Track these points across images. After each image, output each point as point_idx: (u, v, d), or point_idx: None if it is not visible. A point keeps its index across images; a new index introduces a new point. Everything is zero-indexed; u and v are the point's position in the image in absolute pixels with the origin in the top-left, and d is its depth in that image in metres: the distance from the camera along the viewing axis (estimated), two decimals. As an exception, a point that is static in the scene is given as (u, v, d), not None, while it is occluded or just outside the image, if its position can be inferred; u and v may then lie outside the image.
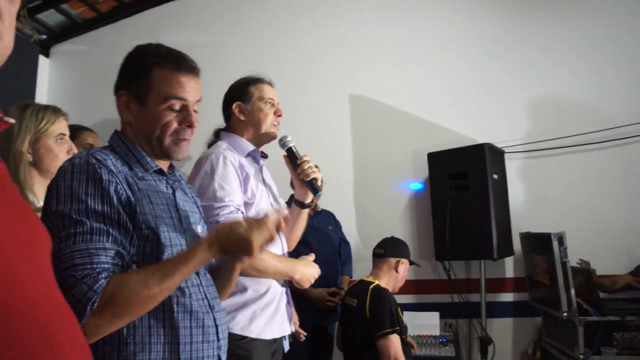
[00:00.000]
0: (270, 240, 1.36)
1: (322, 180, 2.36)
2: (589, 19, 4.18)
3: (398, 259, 3.05)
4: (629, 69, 4.11)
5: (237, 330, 1.91)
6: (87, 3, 4.20)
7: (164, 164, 1.50)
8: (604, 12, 4.18)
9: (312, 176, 2.13)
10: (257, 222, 1.35)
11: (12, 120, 0.80)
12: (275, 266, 1.96)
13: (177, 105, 1.43)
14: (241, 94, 2.16)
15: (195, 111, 1.49)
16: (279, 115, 2.19)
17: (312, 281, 2.08)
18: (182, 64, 1.45)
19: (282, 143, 2.16)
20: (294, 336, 2.79)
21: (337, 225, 3.77)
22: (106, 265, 1.23)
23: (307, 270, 2.04)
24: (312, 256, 2.06)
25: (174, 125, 1.44)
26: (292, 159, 2.15)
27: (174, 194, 1.49)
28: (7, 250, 0.70)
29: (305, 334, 2.92)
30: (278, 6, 4.43)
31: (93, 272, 1.19)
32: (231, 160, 1.98)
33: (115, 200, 1.30)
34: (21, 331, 0.67)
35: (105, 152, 1.40)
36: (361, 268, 3.63)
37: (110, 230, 1.27)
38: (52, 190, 1.31)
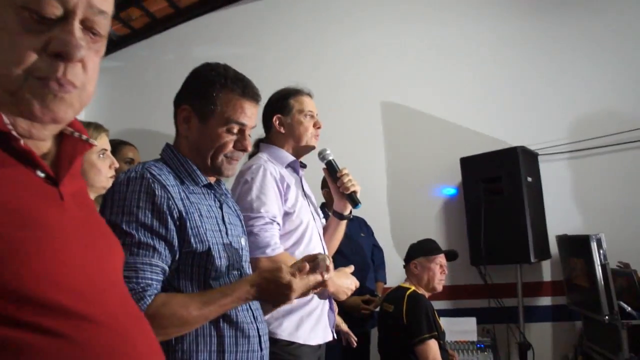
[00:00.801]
0: (309, 290, 1.40)
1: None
2: (623, 18, 4.11)
3: (412, 262, 3.09)
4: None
5: (284, 336, 1.92)
6: (121, 20, 4.32)
7: (212, 178, 1.55)
8: (637, 9, 4.10)
9: (352, 189, 2.15)
10: (299, 270, 1.39)
11: (95, 143, 0.87)
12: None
13: (235, 128, 1.50)
14: (281, 107, 2.18)
15: (249, 135, 1.56)
16: (319, 128, 2.22)
17: (349, 293, 2.05)
18: (248, 91, 1.53)
19: (322, 156, 2.19)
20: (347, 340, 2.79)
21: (369, 231, 3.77)
22: (150, 282, 1.28)
23: (343, 283, 2.02)
24: (351, 268, 2.04)
25: (230, 146, 1.50)
26: (332, 172, 2.18)
27: (221, 207, 1.54)
28: (88, 266, 0.75)
29: (356, 338, 2.87)
30: (308, 16, 4.48)
31: (138, 287, 1.25)
32: (271, 171, 2.00)
33: (166, 216, 1.34)
34: (105, 340, 0.71)
35: (159, 165, 1.45)
36: (396, 274, 3.61)
37: (157, 246, 1.31)
38: (107, 201, 1.37)
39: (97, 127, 2.01)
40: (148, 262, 1.29)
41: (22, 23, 0.70)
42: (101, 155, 1.99)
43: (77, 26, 0.73)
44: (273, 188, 1.97)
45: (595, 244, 3.24)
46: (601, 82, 4.09)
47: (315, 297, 2.02)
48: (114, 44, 4.52)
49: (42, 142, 0.78)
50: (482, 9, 4.31)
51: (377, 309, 3.31)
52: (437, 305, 3.70)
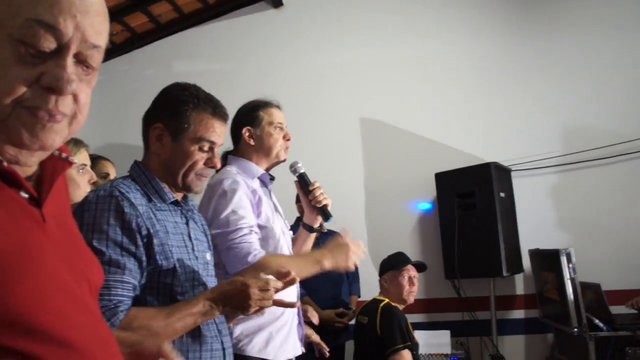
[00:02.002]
0: (268, 299, 1.44)
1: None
2: (592, 37, 4.25)
3: (382, 277, 3.17)
4: (633, 83, 4.17)
5: (254, 352, 1.92)
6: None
7: (178, 195, 1.59)
8: (607, 30, 4.25)
9: (324, 202, 2.15)
10: (257, 280, 1.44)
11: (75, 160, 0.88)
12: (299, 269, 1.88)
13: (206, 146, 1.56)
14: (250, 119, 2.17)
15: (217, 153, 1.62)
16: (288, 140, 2.21)
17: (355, 259, 2.03)
18: (218, 110, 1.59)
19: (293, 169, 2.18)
20: (319, 351, 2.78)
21: None
22: (122, 298, 1.32)
23: (338, 256, 2.00)
24: (345, 232, 2.05)
25: (201, 164, 1.55)
26: (304, 184, 2.17)
27: (187, 223, 1.58)
28: (68, 289, 0.77)
29: (328, 348, 2.85)
30: (288, 32, 4.55)
31: (110, 304, 1.29)
32: (242, 184, 2.00)
33: (135, 233, 1.38)
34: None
35: (128, 183, 1.49)
36: (372, 287, 3.66)
37: (127, 263, 1.36)
38: (76, 219, 1.39)
39: (76, 143, 2.03)
40: (120, 280, 1.33)
41: (16, 55, 0.72)
42: (80, 170, 2.00)
43: (70, 61, 0.75)
44: (247, 201, 1.98)
45: (565, 258, 3.33)
46: (572, 99, 4.21)
47: (285, 312, 2.03)
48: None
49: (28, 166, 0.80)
50: (458, 27, 4.43)
51: (352, 322, 3.35)
52: (412, 318, 3.75)
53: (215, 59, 4.59)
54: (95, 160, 2.70)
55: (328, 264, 1.97)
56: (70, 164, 0.87)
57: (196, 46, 4.62)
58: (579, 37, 4.27)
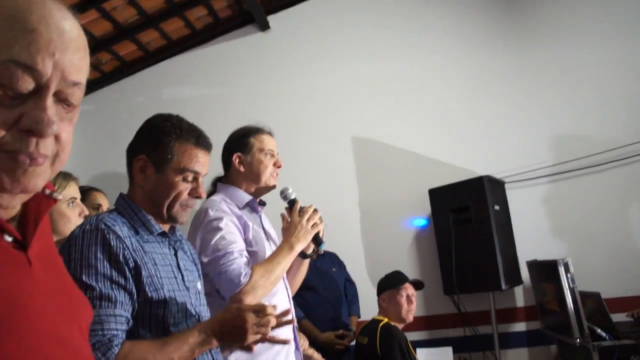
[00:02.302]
0: (266, 324, 1.42)
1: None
2: (580, 47, 4.29)
3: (380, 297, 3.15)
4: (623, 90, 4.20)
5: None
6: (91, 64, 4.35)
7: (165, 226, 1.58)
8: (595, 38, 4.29)
9: (316, 229, 2.13)
10: (252, 305, 1.45)
11: (60, 197, 0.85)
12: (283, 265, 1.98)
13: (190, 177, 1.56)
14: (241, 145, 2.18)
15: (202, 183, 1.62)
16: (279, 167, 2.21)
17: (318, 225, 2.10)
18: (201, 140, 1.59)
19: (284, 195, 2.17)
20: None
21: (341, 265, 3.79)
22: (116, 332, 1.30)
23: (298, 234, 2.05)
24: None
25: (185, 194, 1.55)
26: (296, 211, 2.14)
27: (175, 254, 1.57)
28: (59, 333, 0.76)
29: None
30: (276, 54, 4.58)
31: (104, 339, 1.27)
32: (227, 212, 2.00)
33: (123, 266, 1.37)
34: None
35: (114, 216, 1.47)
36: (371, 307, 3.63)
37: (118, 296, 1.34)
38: (64, 255, 1.38)
39: (65, 176, 2.02)
40: (112, 314, 1.31)
41: None
42: (70, 204, 1.99)
43: (50, 101, 0.72)
44: (233, 225, 1.97)
45: (562, 268, 3.31)
46: (562, 108, 4.23)
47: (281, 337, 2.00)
48: (85, 88, 4.54)
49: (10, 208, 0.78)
50: (447, 43, 4.45)
51: (353, 343, 3.31)
52: (413, 336, 3.74)
53: (204, 84, 4.61)
54: (86, 192, 2.69)
55: (299, 245, 2.02)
56: (55, 200, 0.84)
57: (185, 72, 4.64)
58: (568, 47, 4.31)
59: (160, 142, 1.54)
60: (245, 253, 1.96)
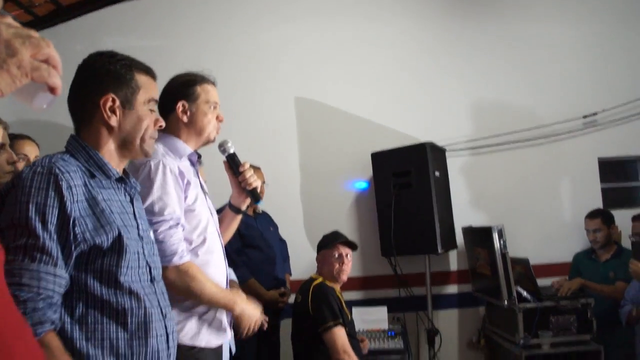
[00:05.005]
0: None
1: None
2: (524, 23, 4.41)
3: (317, 255, 3.16)
4: (561, 70, 4.36)
5: (186, 340, 1.85)
6: (22, 6, 4.09)
7: (121, 169, 1.52)
8: (538, 16, 4.42)
9: (254, 185, 2.10)
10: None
11: None
12: (212, 293, 1.89)
13: (152, 106, 1.54)
14: (186, 93, 2.03)
15: None
16: (221, 121, 2.10)
17: (253, 326, 2.02)
18: (151, 70, 1.57)
19: (223, 148, 2.10)
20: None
21: (275, 225, 3.79)
22: (52, 293, 1.24)
23: (251, 311, 1.99)
24: (257, 305, 2.05)
25: (152, 126, 1.54)
26: (234, 165, 2.10)
27: (132, 201, 1.52)
28: None
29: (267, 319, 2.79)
30: (222, 10, 4.43)
31: (37, 297, 1.21)
32: (171, 167, 1.88)
33: (71, 219, 1.29)
34: None
35: (67, 159, 1.39)
36: (306, 266, 3.68)
37: (61, 255, 1.27)
38: (7, 198, 1.30)
39: None
40: (52, 272, 1.25)
41: None
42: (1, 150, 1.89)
43: None
44: (174, 186, 1.86)
45: (496, 234, 3.46)
46: (503, 82, 4.36)
47: None
48: (15, 32, 4.26)
49: None
50: (395, 9, 4.45)
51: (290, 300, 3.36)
52: (350, 295, 3.82)
53: (146, 36, 4.41)
54: (14, 139, 2.55)
55: (238, 311, 1.96)
56: None
57: (126, 22, 4.41)
58: (515, 22, 4.42)
59: (123, 76, 1.48)
60: (183, 220, 1.88)
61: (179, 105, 2.02)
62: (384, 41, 4.42)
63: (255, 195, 2.11)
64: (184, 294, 1.84)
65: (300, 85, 4.36)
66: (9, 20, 0.71)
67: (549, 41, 4.39)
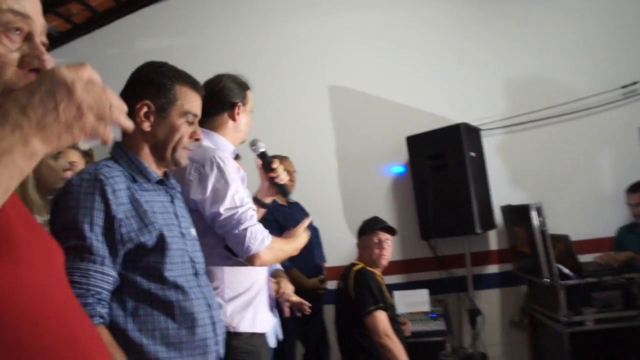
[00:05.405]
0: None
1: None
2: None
3: (358, 242, 3.23)
4: (596, 41, 4.24)
5: (246, 328, 1.95)
6: (61, 16, 4.25)
7: (160, 172, 1.62)
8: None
9: (285, 180, 2.19)
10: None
11: None
12: (291, 248, 2.09)
13: (191, 119, 1.61)
14: (241, 96, 2.13)
15: None
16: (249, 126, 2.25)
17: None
18: (197, 84, 1.65)
19: (255, 147, 2.16)
20: (300, 310, 2.70)
21: (308, 214, 3.84)
22: (100, 290, 1.36)
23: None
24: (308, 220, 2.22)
25: (187, 137, 1.61)
26: (266, 162, 2.17)
27: (172, 201, 1.62)
28: (35, 263, 0.80)
29: (308, 304, 2.72)
30: (250, 4, 4.50)
31: (87, 293, 1.33)
32: (231, 162, 1.97)
33: (117, 220, 1.40)
34: (51, 335, 0.77)
35: (111, 165, 1.50)
36: (347, 252, 3.74)
37: (107, 254, 1.38)
38: (59, 203, 1.42)
39: None
40: (101, 271, 1.36)
41: None
42: (58, 159, 2.03)
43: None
44: (240, 180, 1.97)
45: (535, 212, 3.43)
46: (537, 58, 4.27)
47: (260, 287, 2.06)
48: (55, 40, 4.44)
49: None
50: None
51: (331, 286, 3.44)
52: (391, 279, 3.87)
53: (178, 35, 4.53)
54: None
55: (298, 243, 2.12)
56: None
57: (159, 23, 4.54)
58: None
59: (163, 86, 1.57)
60: (254, 207, 1.97)
61: (238, 107, 2.12)
62: (415, 24, 4.40)
63: (285, 190, 2.21)
64: (277, 262, 2.05)
65: (334, 74, 4.40)
66: (89, 75, 0.73)
67: (583, 11, 4.28)
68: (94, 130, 0.72)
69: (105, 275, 1.37)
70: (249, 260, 1.87)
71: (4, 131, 0.67)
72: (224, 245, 1.90)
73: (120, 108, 0.76)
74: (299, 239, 2.12)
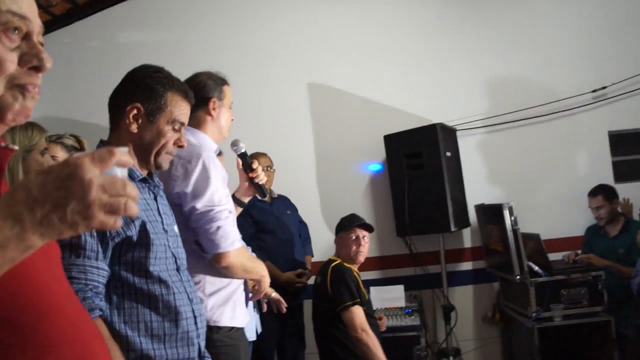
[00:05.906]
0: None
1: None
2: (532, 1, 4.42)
3: (335, 238, 3.29)
4: (571, 45, 4.37)
5: (226, 322, 2.00)
6: (41, 7, 4.21)
7: (144, 171, 1.67)
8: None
9: (264, 180, 2.24)
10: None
11: (16, 147, 0.90)
12: (251, 267, 2.08)
13: (177, 127, 1.67)
14: (219, 92, 2.17)
15: None
16: (232, 120, 2.27)
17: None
18: (189, 94, 1.70)
19: (236, 147, 2.19)
20: (277, 308, 2.70)
21: (293, 208, 3.90)
22: (97, 284, 1.41)
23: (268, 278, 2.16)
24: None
25: (171, 143, 1.66)
26: (246, 162, 2.21)
27: (155, 199, 1.66)
28: (35, 259, 0.81)
29: (286, 305, 2.72)
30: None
31: (86, 288, 1.38)
32: (217, 161, 2.00)
33: None
34: (53, 325, 0.81)
35: None
36: (325, 248, 3.81)
37: (100, 249, 1.44)
38: None
39: (40, 129, 2.04)
40: (96, 266, 1.41)
41: None
42: (44, 154, 2.04)
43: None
44: (222, 179, 1.99)
45: (507, 211, 3.54)
46: (511, 60, 4.39)
47: (238, 282, 2.10)
48: (34, 31, 4.38)
49: None
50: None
51: (310, 281, 3.49)
52: (367, 275, 3.94)
53: (160, 29, 4.51)
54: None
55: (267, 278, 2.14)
56: (12, 150, 0.89)
57: (140, 16, 4.52)
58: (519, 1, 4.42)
59: (155, 92, 1.63)
60: (232, 209, 2.02)
61: (213, 102, 2.15)
62: (392, 23, 4.46)
63: (263, 191, 2.25)
64: (241, 272, 2.01)
65: (312, 71, 4.44)
66: (112, 179, 0.71)
67: (558, 15, 4.39)
68: (102, 224, 0.70)
69: (100, 269, 1.43)
70: (216, 258, 1.90)
71: (5, 224, 0.66)
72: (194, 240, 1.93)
73: (135, 198, 0.74)
74: (263, 269, 2.13)
